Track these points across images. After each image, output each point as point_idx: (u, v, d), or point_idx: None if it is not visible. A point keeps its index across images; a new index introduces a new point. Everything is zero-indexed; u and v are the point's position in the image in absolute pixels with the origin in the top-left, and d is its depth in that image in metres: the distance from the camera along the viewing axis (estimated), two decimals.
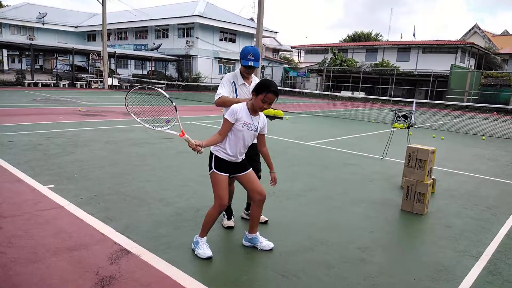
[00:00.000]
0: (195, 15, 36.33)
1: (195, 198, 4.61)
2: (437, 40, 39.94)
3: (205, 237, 3.23)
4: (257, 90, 3.01)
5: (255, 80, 3.78)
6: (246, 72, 3.67)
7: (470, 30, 43.76)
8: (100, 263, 2.94)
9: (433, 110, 27.11)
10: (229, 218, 3.91)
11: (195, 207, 4.31)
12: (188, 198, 4.63)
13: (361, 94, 34.58)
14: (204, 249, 3.14)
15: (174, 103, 2.96)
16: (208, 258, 3.10)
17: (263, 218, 3.97)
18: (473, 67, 37.31)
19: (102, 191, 4.72)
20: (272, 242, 3.41)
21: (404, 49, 39.54)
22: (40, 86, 27.11)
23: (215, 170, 3.10)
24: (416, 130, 13.48)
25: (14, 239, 3.25)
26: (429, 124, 16.05)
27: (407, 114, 6.89)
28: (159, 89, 3.08)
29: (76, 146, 7.33)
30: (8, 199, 4.21)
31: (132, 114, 3.17)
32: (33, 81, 27.02)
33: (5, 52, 41.08)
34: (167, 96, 2.99)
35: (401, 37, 58.94)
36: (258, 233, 3.40)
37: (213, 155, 3.11)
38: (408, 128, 6.89)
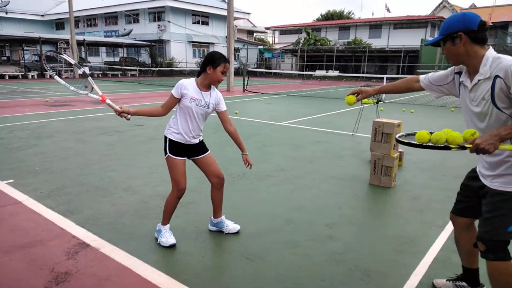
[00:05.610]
0: None
1: (162, 185, 4.49)
2: (408, 15, 40.21)
3: (168, 225, 3.13)
4: (213, 63, 2.82)
5: (482, 72, 1.95)
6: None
7: (439, 5, 44.10)
8: (56, 259, 2.81)
9: None
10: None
11: (162, 194, 4.19)
12: (155, 186, 4.50)
13: (335, 73, 34.63)
14: (167, 237, 3.05)
15: (81, 70, 2.93)
16: (171, 246, 3.01)
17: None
18: None
19: (64, 183, 4.53)
20: (238, 225, 3.35)
21: (375, 26, 39.69)
22: (7, 78, 25.99)
23: (170, 155, 2.97)
24: (387, 105, 13.63)
25: None
26: (400, 98, 16.24)
27: None
28: (65, 56, 3.05)
29: (40, 138, 7.04)
30: None
31: (55, 76, 3.11)
32: None
33: None
34: (73, 62, 2.97)
35: (373, 14, 59.14)
36: (223, 217, 3.32)
37: (167, 139, 2.98)
38: (377, 103, 6.90)
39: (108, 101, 2.84)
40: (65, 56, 2.99)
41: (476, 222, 2.22)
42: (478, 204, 2.17)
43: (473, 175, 2.26)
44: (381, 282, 2.62)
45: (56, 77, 3.09)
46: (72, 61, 2.96)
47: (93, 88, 2.93)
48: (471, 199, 2.25)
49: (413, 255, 3.00)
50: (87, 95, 3.04)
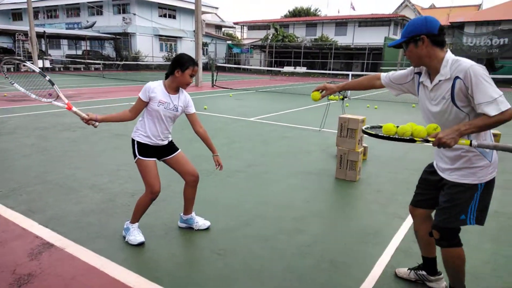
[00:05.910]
0: None
1: (130, 183, 4.41)
2: (372, 14, 41.37)
3: (137, 223, 3.09)
4: (182, 66, 2.80)
5: (442, 73, 2.06)
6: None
7: (402, 4, 45.68)
8: (18, 260, 2.71)
9: None
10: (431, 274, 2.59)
11: (130, 192, 4.12)
12: (123, 183, 4.42)
13: (303, 69, 35.15)
14: (135, 235, 3.01)
15: (47, 77, 2.87)
16: (140, 244, 2.98)
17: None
18: None
19: (26, 181, 4.36)
20: (208, 221, 3.36)
21: (341, 23, 40.51)
22: None
23: (140, 157, 2.92)
24: (352, 101, 14.00)
25: None
26: (365, 95, 16.72)
27: None
28: (28, 64, 2.97)
29: None
30: None
31: (14, 84, 3.04)
32: None
33: None
34: (37, 70, 2.87)
35: (338, 12, 60.20)
36: (193, 213, 3.32)
37: (135, 142, 2.93)
38: (343, 99, 7.08)
39: (74, 109, 2.77)
40: (28, 64, 2.89)
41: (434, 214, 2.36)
42: (436, 196, 2.31)
43: (430, 170, 2.41)
44: (347, 272, 2.73)
45: (16, 85, 3.02)
46: (37, 69, 2.84)
47: (58, 95, 2.86)
48: (429, 191, 2.39)
49: (377, 245, 3.13)
50: (51, 103, 2.95)
